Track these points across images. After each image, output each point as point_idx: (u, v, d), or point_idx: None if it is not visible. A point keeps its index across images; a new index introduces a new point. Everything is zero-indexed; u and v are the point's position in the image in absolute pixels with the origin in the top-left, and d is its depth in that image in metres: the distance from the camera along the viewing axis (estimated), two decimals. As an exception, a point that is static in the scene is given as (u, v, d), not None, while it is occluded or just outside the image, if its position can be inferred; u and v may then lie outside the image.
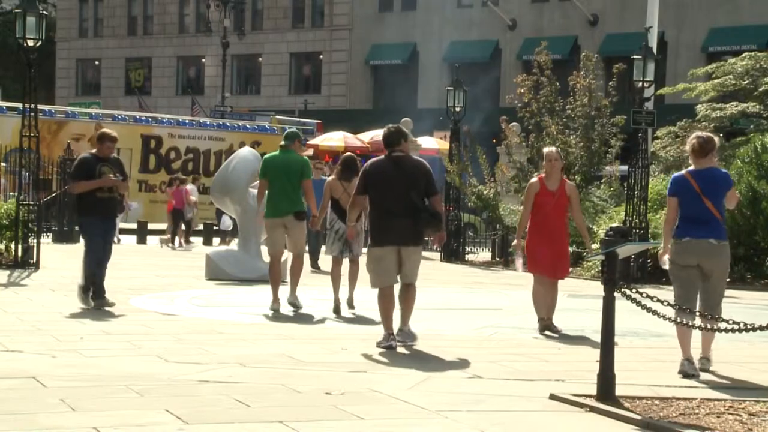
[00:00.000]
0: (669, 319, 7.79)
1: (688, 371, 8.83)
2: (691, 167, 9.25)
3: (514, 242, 12.41)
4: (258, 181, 13.60)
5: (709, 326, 7.98)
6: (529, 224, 11.81)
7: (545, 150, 12.06)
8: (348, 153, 15.01)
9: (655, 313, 7.73)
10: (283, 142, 13.27)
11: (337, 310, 12.97)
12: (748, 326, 7.34)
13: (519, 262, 12.78)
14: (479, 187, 25.09)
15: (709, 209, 9.04)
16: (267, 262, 17.40)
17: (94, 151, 13.18)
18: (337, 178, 13.53)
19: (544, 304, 11.68)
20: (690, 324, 8.37)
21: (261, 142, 35.40)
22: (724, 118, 30.18)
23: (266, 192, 13.03)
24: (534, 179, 12.05)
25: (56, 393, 7.39)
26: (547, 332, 11.54)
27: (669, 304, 8.21)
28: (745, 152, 21.37)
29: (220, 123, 38.71)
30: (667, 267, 9.26)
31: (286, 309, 12.95)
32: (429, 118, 41.23)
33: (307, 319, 12.53)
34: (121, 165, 13.32)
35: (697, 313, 8.60)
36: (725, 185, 9.21)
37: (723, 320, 7.47)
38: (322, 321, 12.45)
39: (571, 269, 13.78)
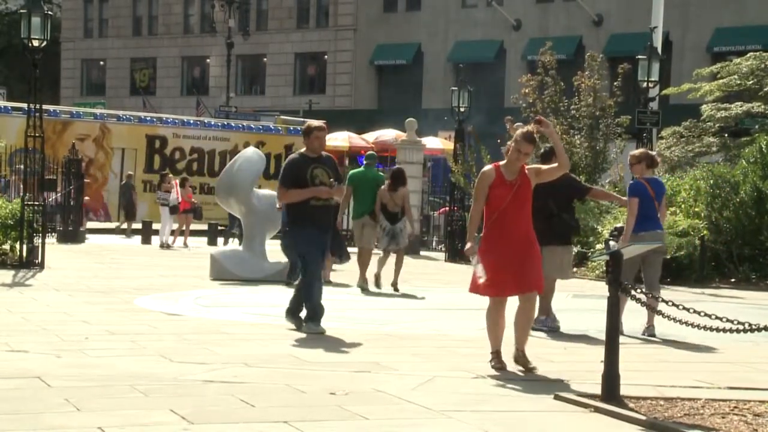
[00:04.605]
0: (674, 319, 7.78)
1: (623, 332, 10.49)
2: (645, 176, 11.88)
3: (467, 246, 9.13)
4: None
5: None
6: (484, 226, 9.14)
7: (519, 132, 9.22)
8: (398, 166, 19.48)
9: (659, 313, 7.72)
10: (366, 161, 17.31)
11: (377, 284, 16.31)
12: (753, 326, 7.33)
13: (479, 268, 9.02)
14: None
15: (656, 208, 11.86)
16: (271, 263, 17.51)
17: (303, 150, 11.36)
18: (386, 188, 16.62)
19: (500, 330, 9.15)
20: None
21: (266, 142, 35.40)
22: (729, 118, 30.16)
23: (351, 197, 16.67)
24: (489, 166, 9.32)
25: (61, 393, 7.40)
26: (519, 368, 9.00)
27: (674, 305, 8.21)
28: (750, 152, 21.35)
29: (225, 123, 38.72)
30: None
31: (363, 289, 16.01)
32: (433, 118, 41.24)
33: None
34: (334, 164, 11.39)
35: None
36: (665, 190, 12.29)
37: (728, 320, 7.46)
38: (327, 321, 12.45)
39: (577, 271, 12.22)
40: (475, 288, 9.08)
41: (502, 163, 9.26)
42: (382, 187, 16.79)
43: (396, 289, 16.21)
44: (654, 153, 12.67)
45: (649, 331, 11.48)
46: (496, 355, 9.09)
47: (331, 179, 11.05)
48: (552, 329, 11.72)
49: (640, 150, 12.71)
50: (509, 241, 8.95)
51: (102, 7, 63.35)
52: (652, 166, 12.00)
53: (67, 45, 63.67)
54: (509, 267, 8.91)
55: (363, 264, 16.53)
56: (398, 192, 16.60)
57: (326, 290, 15.64)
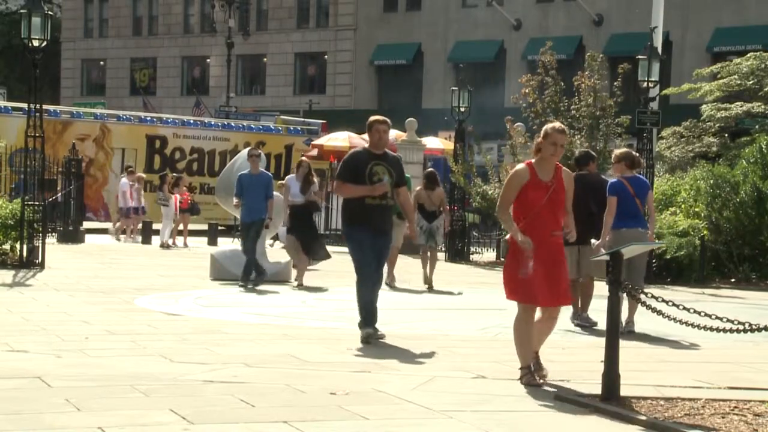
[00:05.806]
0: (674, 319, 7.77)
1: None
2: (625, 175, 11.97)
3: (516, 237, 8.25)
4: None
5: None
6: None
7: (548, 126, 8.56)
8: (431, 169, 19.71)
9: (660, 313, 7.72)
10: None
11: (426, 282, 17.12)
12: (753, 326, 7.33)
13: (530, 264, 8.16)
14: (484, 187, 25.10)
15: (638, 206, 11.91)
16: (271, 263, 17.49)
17: (367, 145, 10.97)
18: (423, 188, 17.57)
19: (532, 343, 8.38)
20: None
21: (266, 142, 35.40)
22: (729, 118, 30.20)
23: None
24: (521, 165, 8.53)
25: (61, 393, 7.40)
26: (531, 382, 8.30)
27: (674, 304, 8.22)
28: (750, 152, 21.35)
29: (225, 123, 38.70)
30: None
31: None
32: (434, 118, 41.22)
33: (312, 318, 12.53)
34: (399, 164, 10.87)
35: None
36: (648, 189, 12.22)
37: (728, 320, 7.46)
38: (326, 321, 12.47)
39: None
40: (511, 294, 8.37)
41: (534, 160, 8.43)
42: (418, 188, 17.75)
43: (430, 285, 16.99)
44: (636, 155, 12.80)
45: (629, 326, 11.59)
46: (528, 371, 8.32)
47: (389, 179, 10.47)
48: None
49: (623, 150, 12.92)
50: (540, 247, 8.20)
51: (102, 7, 63.34)
52: (633, 166, 12.16)
53: (67, 45, 63.65)
54: (542, 276, 8.17)
55: (391, 263, 16.93)
56: (435, 191, 17.57)
57: (329, 290, 15.69)
